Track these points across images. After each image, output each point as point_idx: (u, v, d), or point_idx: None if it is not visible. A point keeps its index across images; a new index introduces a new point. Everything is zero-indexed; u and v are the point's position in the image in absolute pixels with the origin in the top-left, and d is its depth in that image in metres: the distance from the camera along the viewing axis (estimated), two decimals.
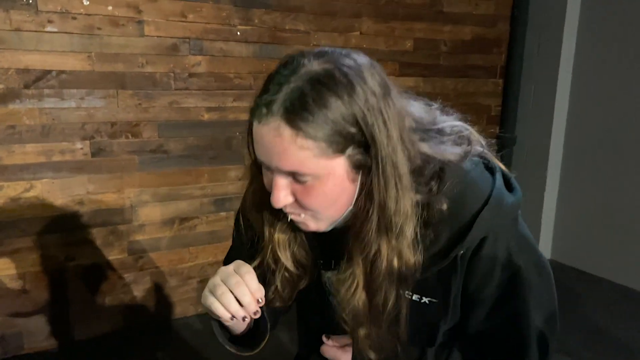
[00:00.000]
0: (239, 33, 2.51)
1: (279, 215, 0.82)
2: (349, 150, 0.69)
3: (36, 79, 2.11)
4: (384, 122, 0.69)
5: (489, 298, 0.80)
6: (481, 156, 0.82)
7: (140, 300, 2.52)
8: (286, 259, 0.85)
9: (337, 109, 0.66)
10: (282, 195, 0.73)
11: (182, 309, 2.64)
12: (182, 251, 2.58)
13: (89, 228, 2.34)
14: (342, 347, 0.90)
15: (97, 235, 2.36)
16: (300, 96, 0.66)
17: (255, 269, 0.82)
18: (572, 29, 3.19)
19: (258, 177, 0.80)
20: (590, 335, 2.51)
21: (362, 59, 0.72)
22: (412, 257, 0.74)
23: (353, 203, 0.75)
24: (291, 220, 0.79)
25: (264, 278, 0.87)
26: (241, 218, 0.92)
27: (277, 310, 0.95)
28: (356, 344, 0.83)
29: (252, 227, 0.89)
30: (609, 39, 3.05)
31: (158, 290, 2.56)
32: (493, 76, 3.37)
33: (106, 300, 2.44)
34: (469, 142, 0.81)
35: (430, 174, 0.75)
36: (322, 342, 0.93)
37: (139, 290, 2.51)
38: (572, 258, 3.36)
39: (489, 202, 0.75)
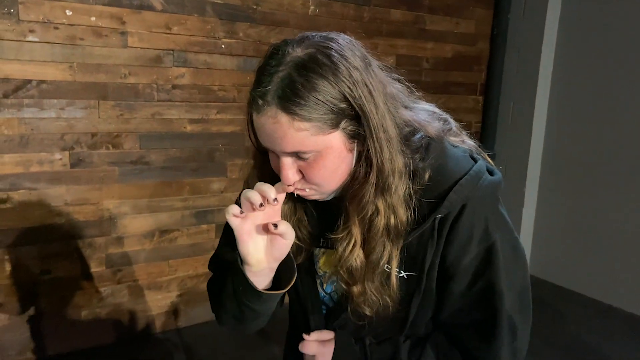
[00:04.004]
0: (223, 46, 2.51)
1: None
2: (343, 124, 0.75)
3: (16, 89, 2.08)
4: (370, 93, 0.75)
5: (465, 270, 0.83)
6: (467, 150, 0.87)
7: (118, 314, 2.48)
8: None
9: (325, 89, 0.72)
10: (291, 174, 0.79)
11: (161, 323, 2.60)
12: (161, 264, 2.55)
13: (66, 240, 2.29)
14: (323, 342, 0.90)
15: (75, 247, 2.32)
16: (290, 83, 0.72)
17: None
18: (550, 48, 3.28)
19: (261, 162, 0.87)
20: (568, 350, 2.54)
21: (341, 38, 0.78)
22: (405, 214, 0.80)
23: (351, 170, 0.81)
24: (296, 196, 0.85)
25: None
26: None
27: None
28: (350, 302, 0.86)
29: None
30: (585, 58, 3.14)
31: (136, 303, 2.52)
32: (473, 93, 3.44)
33: (82, 314, 2.39)
34: (448, 122, 0.89)
35: (417, 144, 0.82)
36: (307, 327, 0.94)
37: (117, 303, 2.46)
38: (550, 273, 3.41)
39: (469, 173, 0.81)
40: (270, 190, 0.77)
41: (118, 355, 2.40)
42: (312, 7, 2.71)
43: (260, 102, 0.74)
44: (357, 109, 0.74)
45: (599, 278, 3.13)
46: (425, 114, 0.88)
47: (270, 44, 0.79)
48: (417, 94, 0.91)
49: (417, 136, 0.82)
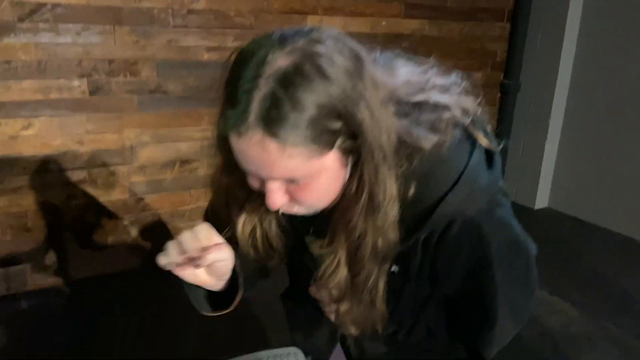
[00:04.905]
0: None
1: (248, 201, 0.82)
2: (338, 142, 0.67)
3: (30, 12, 2.03)
4: (366, 105, 0.65)
5: (456, 276, 0.80)
6: (465, 127, 0.76)
7: (143, 241, 2.54)
8: (246, 247, 0.86)
9: (316, 107, 0.62)
10: (278, 198, 0.71)
11: None
12: (183, 193, 2.58)
13: (89, 168, 2.32)
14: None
15: (98, 175, 2.35)
16: (276, 102, 0.61)
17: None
18: None
19: (230, 171, 0.79)
20: (588, 282, 2.55)
21: (327, 37, 0.66)
22: (394, 235, 0.74)
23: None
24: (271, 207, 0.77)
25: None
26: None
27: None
28: (336, 318, 0.84)
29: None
30: None
31: (161, 231, 2.57)
32: (500, 20, 3.28)
33: (108, 240, 2.46)
34: (447, 130, 0.74)
35: (404, 155, 0.72)
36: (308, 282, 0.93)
37: (142, 231, 2.52)
38: (570, 207, 3.38)
39: (458, 184, 0.72)
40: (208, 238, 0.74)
41: (144, 280, 2.47)
42: None
43: (241, 126, 0.63)
44: (353, 125, 0.65)
45: (620, 211, 3.10)
46: (426, 109, 0.75)
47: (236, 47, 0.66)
48: (432, 71, 0.80)
49: (405, 147, 0.72)
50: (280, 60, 0.62)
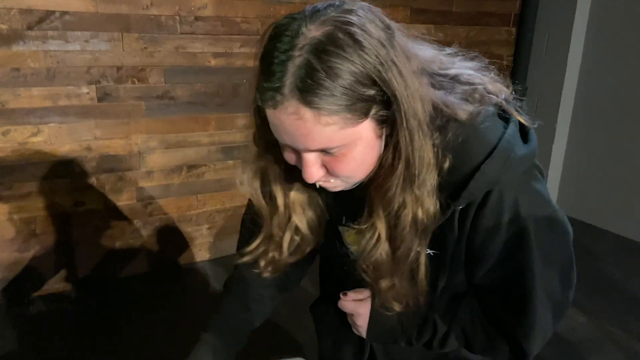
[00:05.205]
0: None
1: (291, 180, 0.82)
2: (373, 111, 0.67)
3: (39, 20, 2.06)
4: (400, 73, 0.65)
5: (493, 254, 0.78)
6: (497, 104, 0.76)
7: (150, 246, 2.56)
8: (301, 222, 0.86)
9: (350, 74, 0.63)
10: (315, 170, 0.71)
11: (191, 255, 2.69)
12: (190, 198, 2.60)
13: (97, 174, 2.34)
14: (360, 300, 0.90)
15: (106, 180, 2.37)
16: (310, 72, 0.62)
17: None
18: None
19: (268, 154, 0.79)
20: (595, 287, 2.54)
21: (358, 7, 0.67)
22: (433, 206, 0.73)
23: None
24: (318, 185, 0.77)
25: (266, 254, 0.90)
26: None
27: (298, 268, 0.97)
28: (378, 295, 0.83)
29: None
30: None
31: (168, 236, 2.59)
32: (506, 24, 3.28)
33: (116, 245, 2.48)
34: (483, 101, 0.75)
35: (438, 124, 0.72)
36: (340, 289, 0.92)
37: (149, 235, 2.54)
38: (577, 210, 3.37)
39: (493, 153, 0.71)
40: None
41: (151, 284, 2.50)
42: None
43: (276, 96, 0.64)
44: (388, 93, 0.65)
45: (628, 215, 3.08)
46: (456, 84, 0.76)
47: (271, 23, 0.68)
48: (457, 56, 0.80)
49: (440, 117, 0.72)
50: (313, 31, 0.64)
